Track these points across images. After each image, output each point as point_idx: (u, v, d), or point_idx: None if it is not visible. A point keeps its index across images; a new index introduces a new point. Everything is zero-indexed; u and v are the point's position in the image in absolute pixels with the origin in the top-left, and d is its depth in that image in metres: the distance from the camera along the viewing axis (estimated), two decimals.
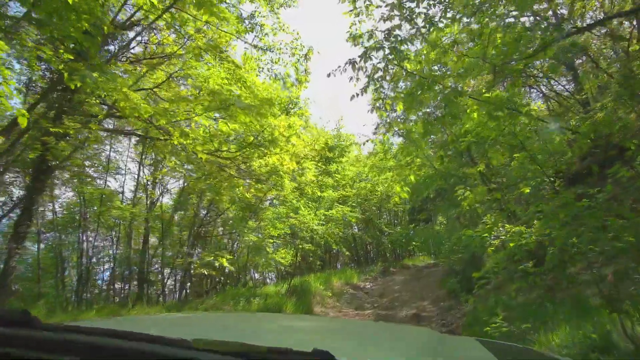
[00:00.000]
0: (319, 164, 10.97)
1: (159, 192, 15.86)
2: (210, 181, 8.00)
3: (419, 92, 5.17)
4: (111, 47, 11.07)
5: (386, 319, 10.56)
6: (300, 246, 11.21)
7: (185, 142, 6.03)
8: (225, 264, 7.43)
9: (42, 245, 15.08)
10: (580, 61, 11.87)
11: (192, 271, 9.70)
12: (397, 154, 12.02)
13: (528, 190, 6.96)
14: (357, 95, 5.42)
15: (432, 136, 11.74)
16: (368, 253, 27.10)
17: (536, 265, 9.96)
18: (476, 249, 7.92)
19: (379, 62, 5.37)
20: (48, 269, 14.93)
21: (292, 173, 8.30)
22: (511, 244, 4.94)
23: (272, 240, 13.20)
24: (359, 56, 5.59)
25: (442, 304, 11.39)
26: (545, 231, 4.62)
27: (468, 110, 6.16)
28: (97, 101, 7.71)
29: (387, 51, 5.44)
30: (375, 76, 5.44)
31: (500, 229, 5.42)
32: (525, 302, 8.06)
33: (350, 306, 12.24)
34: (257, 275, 24.81)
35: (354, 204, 18.60)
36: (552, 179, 6.64)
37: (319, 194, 12.51)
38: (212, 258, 7.76)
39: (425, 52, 6.48)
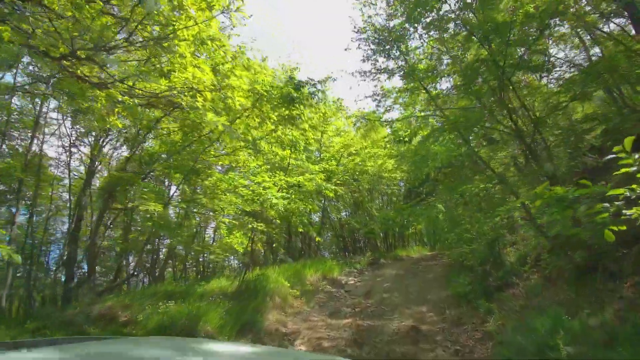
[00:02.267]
0: (282, 110, 7.62)
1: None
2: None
3: None
4: None
5: (370, 333, 7.35)
6: (251, 226, 7.93)
7: None
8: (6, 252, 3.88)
9: None
10: None
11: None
12: None
13: None
14: None
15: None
16: (357, 241, 24.00)
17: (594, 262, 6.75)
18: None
19: None
20: None
21: (213, 94, 4.99)
22: None
23: (225, 220, 9.95)
24: None
25: (449, 313, 8.20)
26: None
27: None
28: None
29: None
30: None
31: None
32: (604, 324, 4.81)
33: (322, 311, 9.02)
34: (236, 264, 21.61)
35: (339, 182, 15.34)
36: None
37: (280, 153, 9.16)
38: None
39: None
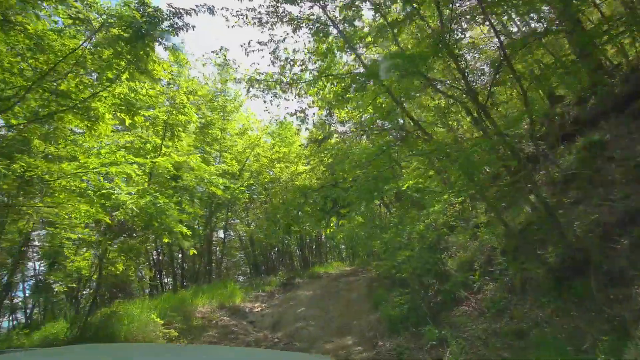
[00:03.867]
0: (125, 50, 5.01)
1: None
2: None
3: None
4: None
5: None
6: (84, 236, 5.10)
7: None
8: None
9: None
10: None
11: None
12: None
13: None
14: None
15: None
16: (270, 261, 21.42)
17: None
18: None
19: None
20: None
21: None
22: None
23: (71, 236, 6.90)
24: None
25: (383, 345, 6.04)
26: None
27: None
28: None
29: None
30: None
31: None
32: None
33: None
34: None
35: (243, 188, 12.78)
36: None
37: (153, 139, 6.33)
38: None
39: None
